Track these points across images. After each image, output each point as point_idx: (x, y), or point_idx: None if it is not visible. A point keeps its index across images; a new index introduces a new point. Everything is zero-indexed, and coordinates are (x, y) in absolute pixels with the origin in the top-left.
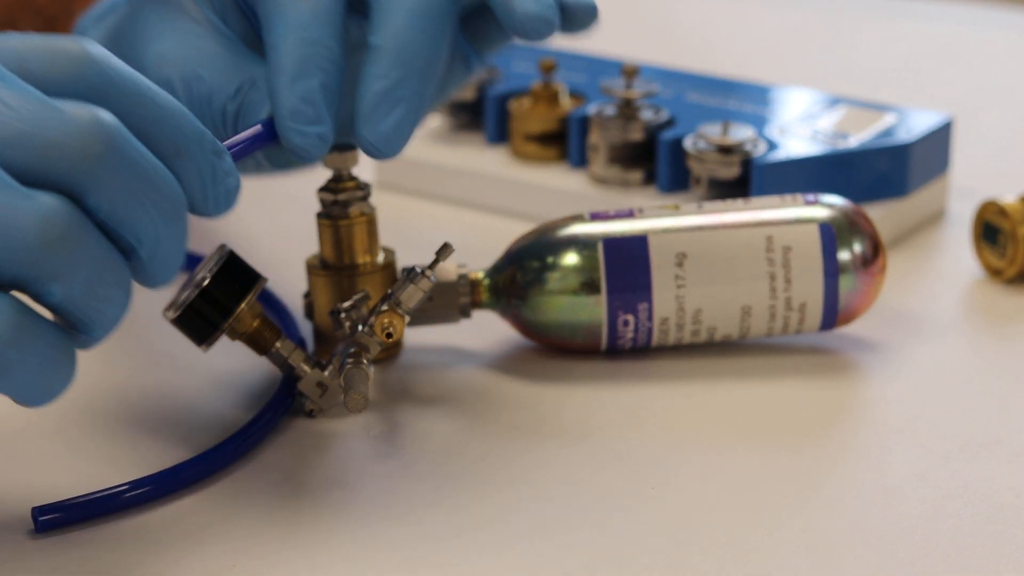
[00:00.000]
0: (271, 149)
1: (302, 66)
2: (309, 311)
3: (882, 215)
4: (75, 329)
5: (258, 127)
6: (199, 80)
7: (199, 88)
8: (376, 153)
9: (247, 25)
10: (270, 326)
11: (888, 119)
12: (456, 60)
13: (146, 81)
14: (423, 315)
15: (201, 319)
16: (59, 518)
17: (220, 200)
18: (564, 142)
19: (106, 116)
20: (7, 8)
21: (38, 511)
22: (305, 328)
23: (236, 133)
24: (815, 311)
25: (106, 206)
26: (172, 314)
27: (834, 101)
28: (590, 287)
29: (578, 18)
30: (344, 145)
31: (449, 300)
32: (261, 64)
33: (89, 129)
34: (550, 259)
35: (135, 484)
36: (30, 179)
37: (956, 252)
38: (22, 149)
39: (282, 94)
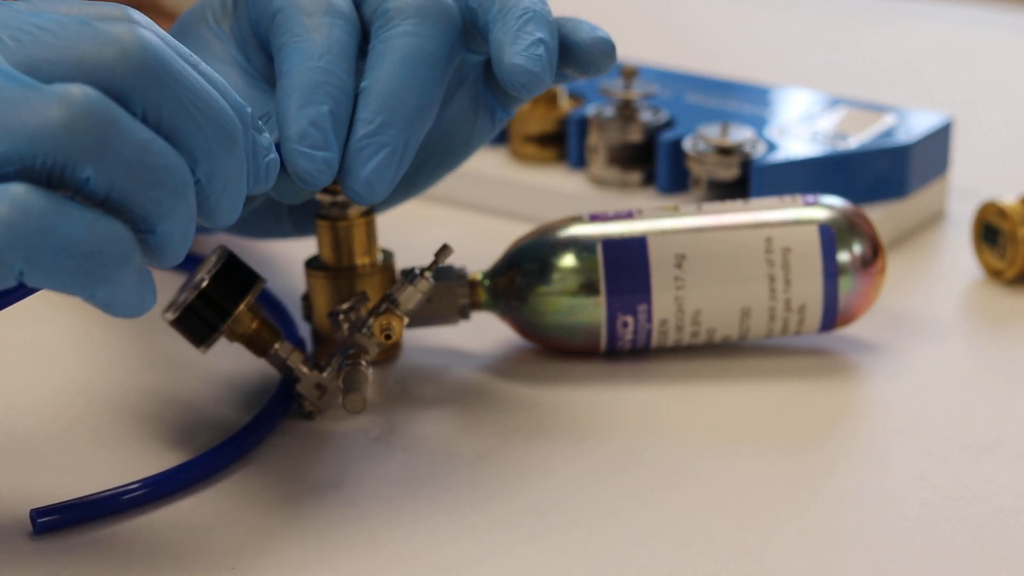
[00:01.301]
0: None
1: (312, 92)
2: (308, 313)
3: (882, 216)
4: (137, 230)
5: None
6: None
7: None
8: (357, 198)
9: (267, 63)
10: (269, 327)
11: (888, 120)
12: (481, 113)
13: (192, 70)
14: (422, 316)
15: (200, 320)
16: (57, 520)
17: (261, 176)
18: (563, 143)
19: (146, 34)
20: None
21: (36, 513)
22: (304, 329)
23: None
24: (815, 312)
25: (152, 114)
26: (171, 315)
27: (833, 102)
28: (589, 288)
29: (593, 59)
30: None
31: (448, 301)
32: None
33: (128, 42)
34: (549, 260)
35: (134, 486)
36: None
37: (956, 253)
38: (60, 63)
39: (291, 117)
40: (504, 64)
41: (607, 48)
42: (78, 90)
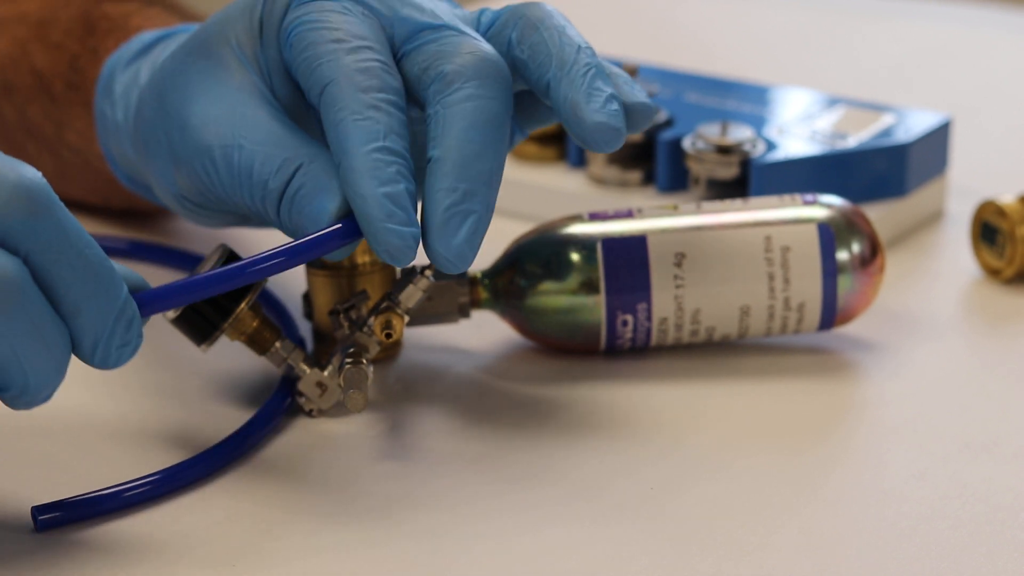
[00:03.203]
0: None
1: (387, 172)
2: (308, 311)
3: (880, 215)
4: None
5: (338, 225)
6: (240, 150)
7: (240, 159)
8: (450, 267)
9: (295, 94)
10: (270, 326)
11: (886, 119)
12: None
13: (77, 234)
14: (422, 315)
15: (201, 319)
16: (59, 517)
17: (109, 360)
18: (563, 142)
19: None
20: (20, 42)
21: (38, 510)
22: (304, 328)
23: (281, 214)
24: (814, 311)
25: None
26: (172, 314)
27: (833, 101)
28: (589, 287)
29: (637, 120)
30: None
31: (448, 300)
32: (309, 143)
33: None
34: (549, 259)
35: (135, 483)
36: None
37: (954, 252)
38: None
39: (374, 197)
40: (586, 124)
41: (649, 113)
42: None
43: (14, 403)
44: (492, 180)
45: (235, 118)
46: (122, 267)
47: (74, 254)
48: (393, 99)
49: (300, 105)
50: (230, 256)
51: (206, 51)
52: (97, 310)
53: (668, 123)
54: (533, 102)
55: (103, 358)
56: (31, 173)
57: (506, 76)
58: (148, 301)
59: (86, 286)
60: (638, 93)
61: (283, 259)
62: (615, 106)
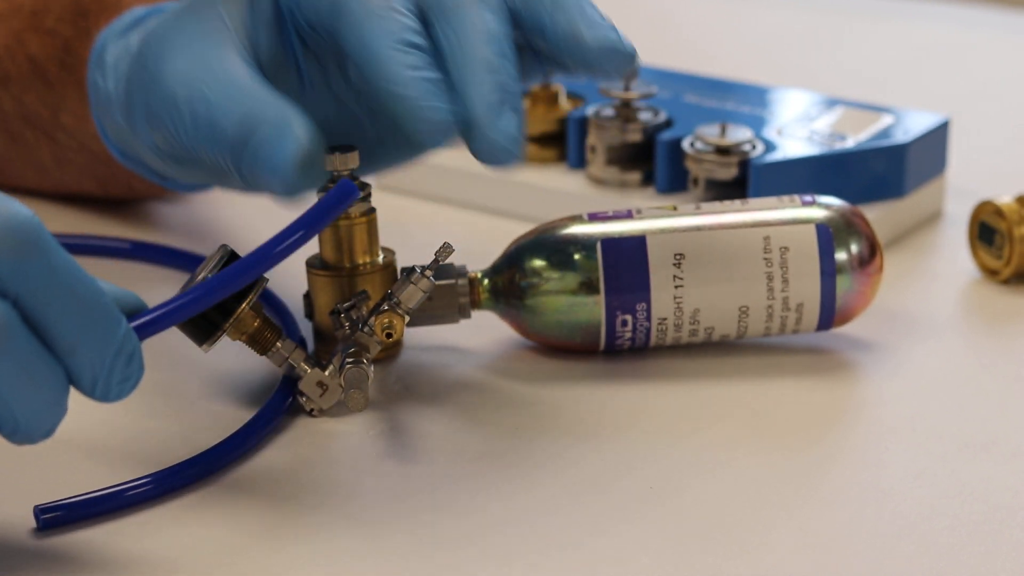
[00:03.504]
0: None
1: (414, 60)
2: (309, 311)
3: (879, 216)
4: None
5: (336, 186)
6: (204, 102)
7: (204, 110)
8: (503, 155)
9: (280, 48)
10: (271, 326)
11: (885, 120)
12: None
13: (68, 271)
14: (422, 315)
15: (202, 319)
16: (60, 516)
17: (109, 396)
18: (563, 143)
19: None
20: (15, 33)
21: (40, 509)
22: (305, 328)
23: (242, 167)
24: (812, 311)
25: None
26: None
27: (831, 102)
28: (588, 287)
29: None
30: (345, 146)
31: (448, 300)
32: (276, 97)
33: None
34: (549, 259)
35: (135, 483)
36: None
37: (952, 252)
38: None
39: (405, 78)
40: (590, 46)
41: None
42: None
43: (11, 439)
44: (517, 88)
45: (204, 71)
46: (119, 290)
47: (66, 293)
48: (410, 7)
49: (283, 61)
50: (231, 257)
51: (192, 10)
52: (94, 348)
53: (668, 124)
54: (521, 57)
55: (103, 394)
56: (21, 212)
57: (504, 8)
58: (153, 321)
59: (80, 325)
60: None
61: (301, 232)
62: (616, 34)
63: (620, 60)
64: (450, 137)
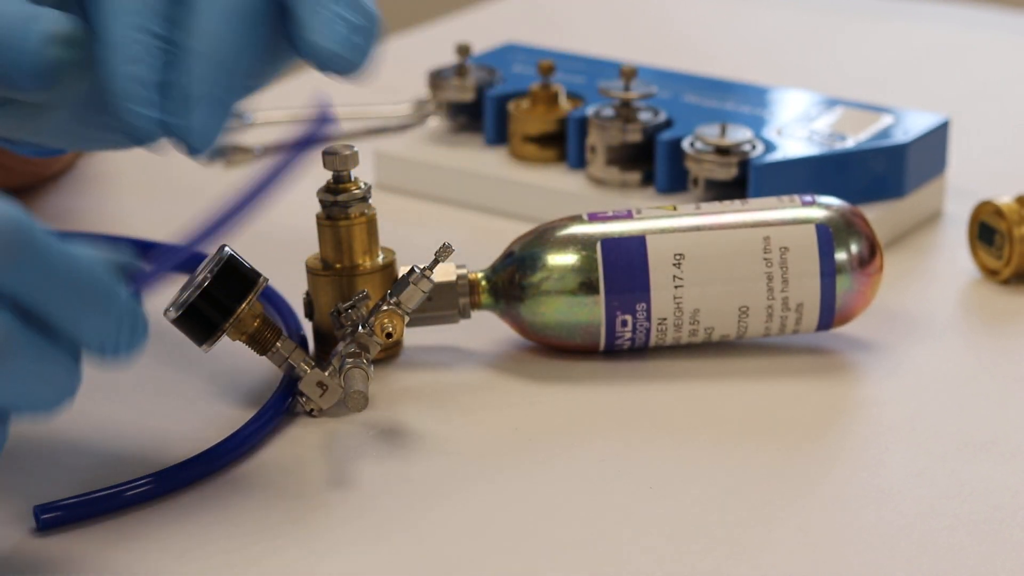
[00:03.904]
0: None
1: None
2: (309, 311)
3: (879, 216)
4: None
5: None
6: None
7: None
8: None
9: None
10: (271, 326)
11: (885, 120)
12: (282, 46)
13: (61, 257)
14: (423, 315)
15: (202, 319)
16: (60, 516)
17: (119, 364)
18: (563, 143)
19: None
20: None
21: (39, 509)
22: (305, 328)
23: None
24: (812, 311)
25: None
26: (173, 314)
27: (831, 102)
28: (588, 287)
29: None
30: (344, 146)
31: (448, 300)
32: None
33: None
34: (549, 260)
35: (135, 483)
36: None
37: (952, 253)
38: None
39: (121, 73)
40: (309, 43)
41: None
42: None
43: (31, 420)
44: (248, 83)
45: None
46: (110, 252)
47: (63, 283)
48: None
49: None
50: (231, 257)
51: None
52: (98, 325)
53: (667, 124)
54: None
55: (114, 362)
56: (5, 210)
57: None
58: (149, 278)
59: (82, 307)
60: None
61: (290, 158)
62: (344, 31)
63: (340, 65)
64: (155, 141)
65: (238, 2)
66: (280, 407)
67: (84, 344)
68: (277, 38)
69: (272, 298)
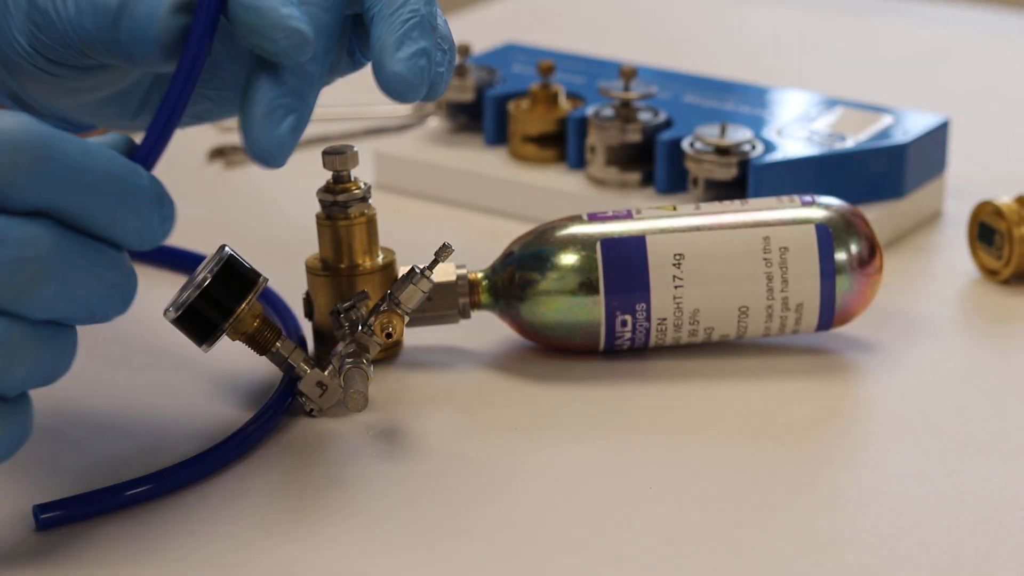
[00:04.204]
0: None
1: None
2: (309, 311)
3: (879, 216)
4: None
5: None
6: None
7: None
8: (264, 156)
9: None
10: (270, 326)
11: (885, 120)
12: (344, 57)
13: (86, 154)
14: (422, 315)
15: (202, 319)
16: (59, 516)
17: (157, 241)
18: (562, 143)
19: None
20: None
21: (39, 509)
22: (305, 328)
23: (120, 33)
24: (812, 311)
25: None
26: (173, 314)
27: (831, 103)
28: (588, 287)
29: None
30: (344, 146)
31: (448, 300)
32: None
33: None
34: (548, 260)
35: (134, 482)
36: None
37: (952, 253)
38: None
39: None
40: (385, 70)
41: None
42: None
43: (101, 321)
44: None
45: None
46: (112, 138)
47: (91, 180)
48: None
49: None
50: (231, 257)
51: None
52: (131, 211)
53: (667, 124)
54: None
55: (152, 242)
56: (23, 121)
57: None
58: (150, 150)
59: (113, 199)
60: (415, 60)
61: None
62: (423, 62)
63: (406, 91)
64: (309, 52)
65: (324, 21)
66: (280, 407)
67: (123, 238)
68: (341, 53)
69: (270, 298)
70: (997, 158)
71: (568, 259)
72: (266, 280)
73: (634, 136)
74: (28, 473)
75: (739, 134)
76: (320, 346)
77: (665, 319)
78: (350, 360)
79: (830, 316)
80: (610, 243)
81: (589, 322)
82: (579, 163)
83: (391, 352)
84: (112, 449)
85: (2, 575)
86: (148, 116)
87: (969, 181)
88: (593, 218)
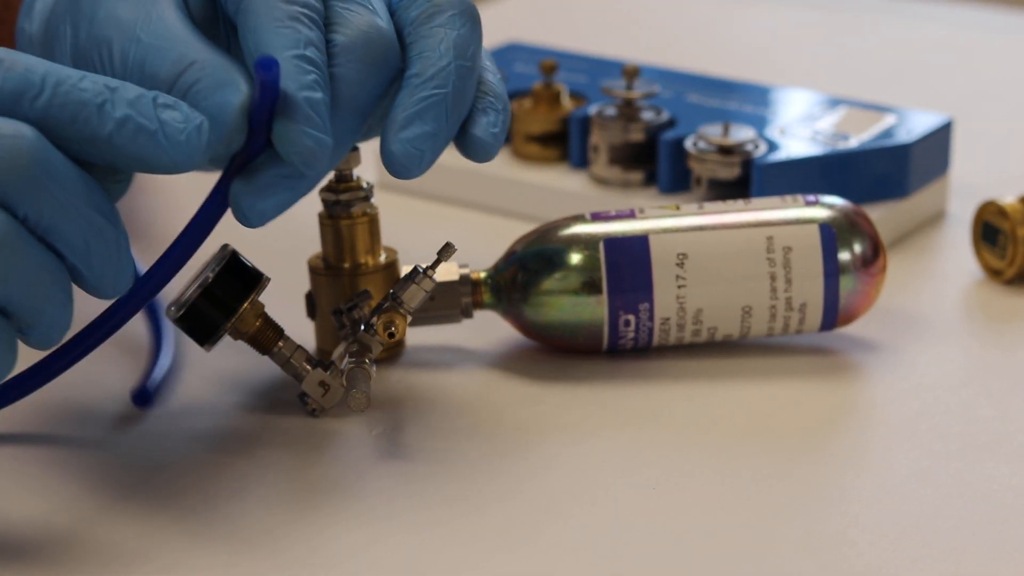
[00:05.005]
0: None
1: (306, 79)
2: (311, 311)
3: (882, 216)
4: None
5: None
6: (137, 43)
7: (135, 51)
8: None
9: (211, 12)
10: (272, 325)
11: (888, 120)
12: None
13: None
14: (425, 315)
15: (204, 318)
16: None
17: (119, 287)
18: (565, 143)
19: (28, 132)
20: None
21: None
22: (307, 328)
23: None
24: (815, 311)
25: (34, 216)
26: (175, 313)
27: (834, 102)
28: (591, 287)
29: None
30: None
31: (451, 300)
32: (210, 45)
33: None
34: (551, 259)
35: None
36: None
37: (956, 253)
38: None
39: (291, 98)
40: (384, 146)
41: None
42: None
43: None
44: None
45: (140, 17)
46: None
47: (76, 213)
48: (314, 16)
49: (214, 24)
50: (233, 256)
51: None
52: (103, 261)
53: (670, 124)
54: None
55: (112, 291)
56: (24, 133)
57: (388, 59)
58: (145, 283)
59: (91, 243)
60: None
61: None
62: (425, 145)
63: (399, 171)
64: (324, 161)
65: (358, 85)
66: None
67: (85, 275)
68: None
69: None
70: (1001, 158)
71: (571, 259)
72: (268, 279)
73: (637, 135)
74: (27, 473)
75: (742, 133)
76: (322, 346)
77: (668, 319)
78: (352, 360)
79: (834, 316)
80: (613, 243)
81: (592, 322)
82: (582, 162)
83: (393, 352)
84: (112, 450)
85: (2, 575)
86: None
87: (973, 181)
88: (596, 218)
